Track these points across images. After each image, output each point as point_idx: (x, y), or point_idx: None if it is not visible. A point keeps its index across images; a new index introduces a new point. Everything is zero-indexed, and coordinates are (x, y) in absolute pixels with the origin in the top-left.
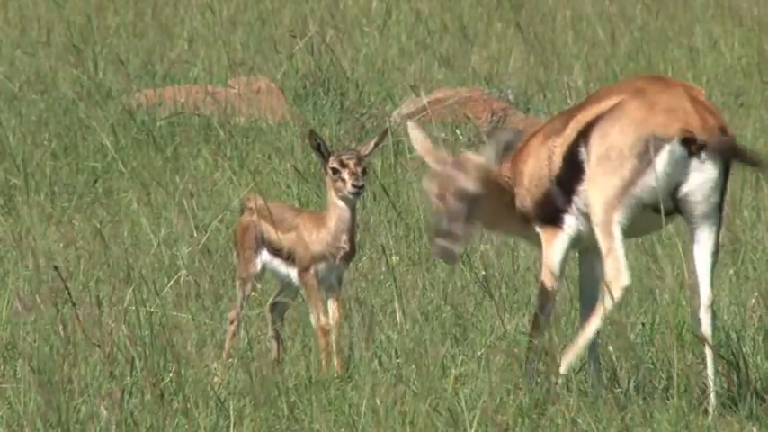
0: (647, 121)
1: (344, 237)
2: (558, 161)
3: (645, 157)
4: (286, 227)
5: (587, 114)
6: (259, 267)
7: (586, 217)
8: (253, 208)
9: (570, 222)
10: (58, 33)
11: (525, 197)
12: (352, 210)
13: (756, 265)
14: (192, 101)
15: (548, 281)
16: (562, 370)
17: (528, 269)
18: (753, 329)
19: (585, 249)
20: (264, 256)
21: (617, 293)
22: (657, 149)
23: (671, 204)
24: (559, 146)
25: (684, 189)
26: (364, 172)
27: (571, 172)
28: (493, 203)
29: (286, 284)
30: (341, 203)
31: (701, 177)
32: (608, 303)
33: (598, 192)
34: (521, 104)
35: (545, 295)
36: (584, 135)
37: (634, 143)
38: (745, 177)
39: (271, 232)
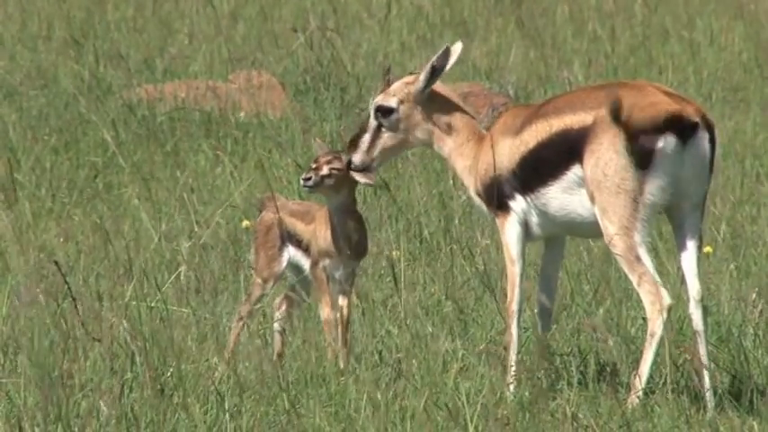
0: (633, 122)
1: (340, 238)
2: (514, 159)
3: (644, 158)
4: (309, 220)
5: (550, 125)
6: (284, 265)
7: (533, 207)
8: (275, 206)
9: (516, 207)
10: (58, 28)
11: (477, 182)
12: (336, 210)
13: (757, 260)
14: (192, 96)
15: (509, 265)
16: (634, 398)
17: (529, 265)
18: (753, 324)
19: (550, 240)
20: (291, 251)
21: (663, 315)
22: (653, 143)
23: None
24: (516, 147)
25: (681, 179)
26: (335, 170)
27: (529, 174)
28: (415, 128)
29: (304, 279)
30: (327, 203)
31: (695, 164)
32: (657, 329)
33: (611, 218)
34: (521, 99)
35: (510, 280)
36: (548, 147)
37: (628, 147)
38: (744, 172)
39: (296, 225)
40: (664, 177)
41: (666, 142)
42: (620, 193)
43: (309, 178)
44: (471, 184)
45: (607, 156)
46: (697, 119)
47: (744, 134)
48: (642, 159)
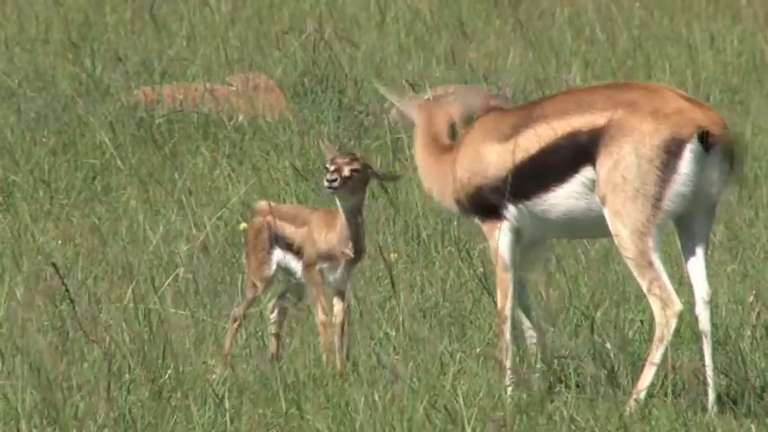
0: (659, 129)
1: (349, 241)
2: (506, 167)
3: (668, 165)
4: (300, 222)
5: (554, 129)
6: (273, 269)
7: (529, 214)
8: (266, 210)
9: (507, 214)
10: (56, 30)
11: (459, 190)
12: (350, 212)
13: (755, 262)
14: (190, 98)
15: (501, 272)
16: (632, 402)
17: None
18: (751, 327)
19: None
20: (278, 254)
21: (673, 322)
22: (679, 152)
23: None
24: (508, 154)
25: (701, 187)
26: (355, 171)
27: (528, 181)
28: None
29: (296, 282)
30: (338, 203)
31: (715, 172)
32: (666, 334)
33: (624, 222)
34: (519, 101)
35: (502, 287)
36: (554, 152)
37: (653, 155)
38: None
39: (285, 228)
40: (685, 185)
41: (692, 150)
42: (638, 198)
43: (335, 180)
44: (446, 196)
45: (629, 159)
46: (717, 131)
47: (741, 137)
48: (665, 166)
